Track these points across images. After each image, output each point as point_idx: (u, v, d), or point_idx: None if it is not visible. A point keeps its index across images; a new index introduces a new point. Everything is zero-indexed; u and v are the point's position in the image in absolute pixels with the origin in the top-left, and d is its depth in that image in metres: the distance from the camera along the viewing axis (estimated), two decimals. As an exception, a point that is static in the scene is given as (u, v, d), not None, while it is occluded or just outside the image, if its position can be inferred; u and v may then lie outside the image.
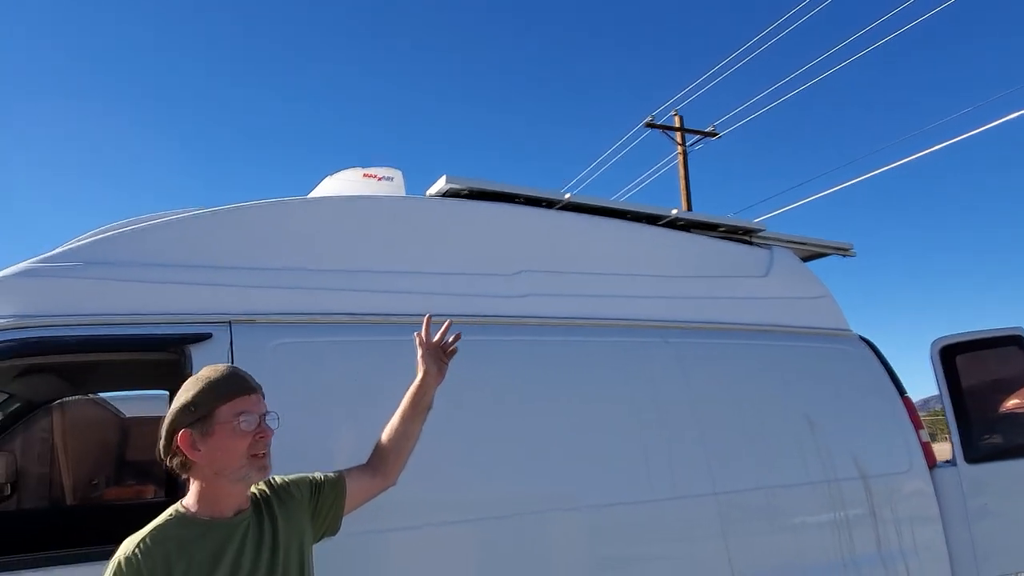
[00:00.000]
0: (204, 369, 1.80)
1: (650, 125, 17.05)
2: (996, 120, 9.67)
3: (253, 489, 1.83)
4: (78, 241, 2.57)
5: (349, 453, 2.15)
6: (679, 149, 16.96)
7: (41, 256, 2.44)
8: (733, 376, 3.29)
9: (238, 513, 1.76)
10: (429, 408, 2.11)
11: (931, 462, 3.68)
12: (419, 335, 2.10)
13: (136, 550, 1.64)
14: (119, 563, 1.64)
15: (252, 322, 2.60)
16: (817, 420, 3.39)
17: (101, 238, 2.56)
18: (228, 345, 2.48)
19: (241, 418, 1.71)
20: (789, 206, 13.67)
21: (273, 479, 1.89)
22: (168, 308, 2.50)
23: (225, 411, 1.71)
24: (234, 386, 1.75)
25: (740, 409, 3.22)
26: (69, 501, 6.42)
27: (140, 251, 2.56)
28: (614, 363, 3.05)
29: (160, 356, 2.51)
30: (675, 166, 17.14)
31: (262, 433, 1.73)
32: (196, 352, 2.42)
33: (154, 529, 1.69)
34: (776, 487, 3.15)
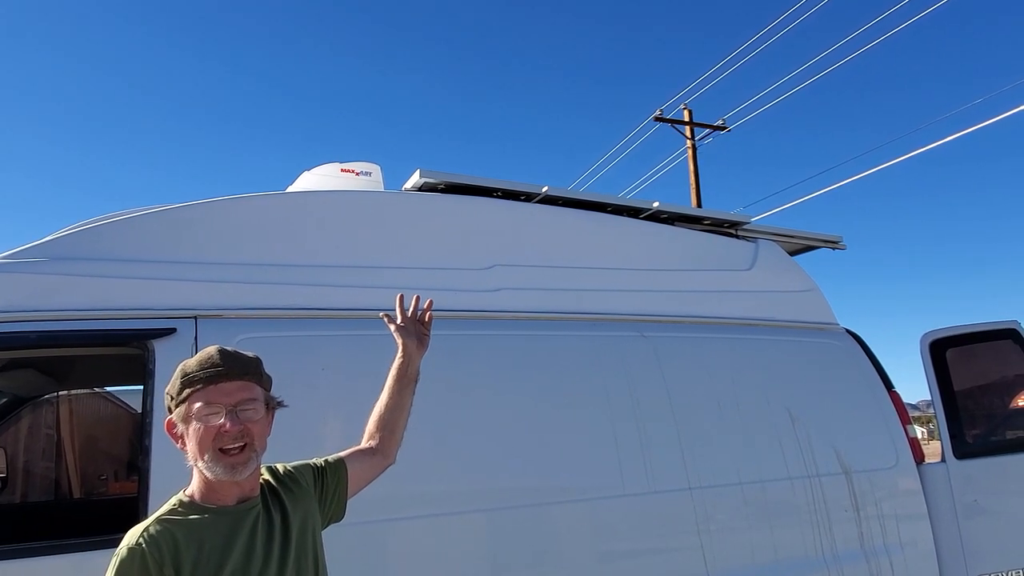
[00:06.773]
0: (200, 352, 1.66)
1: (659, 119, 16.92)
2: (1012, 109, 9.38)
3: (262, 479, 1.72)
4: (45, 238, 2.59)
5: (315, 448, 2.14)
6: (688, 143, 16.83)
7: (6, 252, 2.46)
8: (711, 370, 3.25)
9: (242, 502, 1.63)
10: (416, 380, 2.02)
11: (919, 458, 3.62)
12: (385, 315, 2.01)
13: (140, 539, 1.50)
14: (122, 554, 1.49)
15: (219, 316, 2.60)
16: (798, 415, 3.35)
17: (66, 234, 2.57)
18: (192, 340, 2.49)
19: (201, 410, 1.56)
20: (804, 197, 13.39)
21: (278, 468, 1.80)
22: (134, 303, 2.51)
23: (194, 400, 1.57)
24: (202, 373, 1.59)
25: (717, 403, 3.18)
26: (76, 495, 6.49)
27: (106, 247, 2.57)
28: (587, 358, 3.02)
29: (125, 351, 2.52)
30: (685, 160, 17.01)
31: (226, 427, 1.54)
32: (160, 347, 2.43)
33: (159, 517, 1.57)
34: (753, 482, 3.11)
